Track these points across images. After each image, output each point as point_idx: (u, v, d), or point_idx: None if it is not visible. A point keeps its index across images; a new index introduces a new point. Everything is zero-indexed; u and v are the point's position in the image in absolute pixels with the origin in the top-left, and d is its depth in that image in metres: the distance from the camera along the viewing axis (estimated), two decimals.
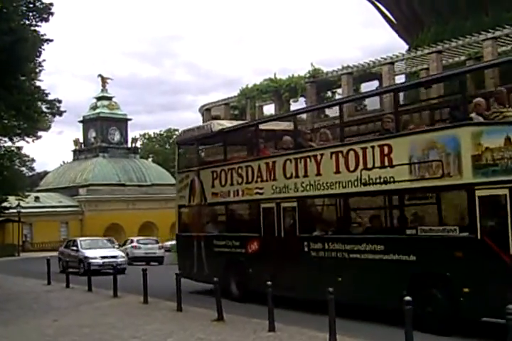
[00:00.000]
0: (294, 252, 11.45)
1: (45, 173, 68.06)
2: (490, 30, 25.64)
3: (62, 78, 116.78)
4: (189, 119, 79.89)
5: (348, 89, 30.57)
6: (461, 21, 31.17)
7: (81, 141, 66.37)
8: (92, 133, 64.97)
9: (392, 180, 9.65)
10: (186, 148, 16.46)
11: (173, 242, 42.22)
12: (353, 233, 10.84)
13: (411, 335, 7.13)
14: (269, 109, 37.48)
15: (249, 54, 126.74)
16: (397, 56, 29.64)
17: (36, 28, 15.94)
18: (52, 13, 15.86)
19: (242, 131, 14.38)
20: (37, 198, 53.71)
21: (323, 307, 8.46)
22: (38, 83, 19.19)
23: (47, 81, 64.69)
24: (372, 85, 32.78)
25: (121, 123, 66.59)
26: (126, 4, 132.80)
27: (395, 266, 9.52)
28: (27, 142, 23.90)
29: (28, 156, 38.54)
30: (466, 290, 8.45)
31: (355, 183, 10.27)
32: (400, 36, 39.99)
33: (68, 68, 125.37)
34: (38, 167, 56.47)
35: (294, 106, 34.12)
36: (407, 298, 7.33)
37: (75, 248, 24.73)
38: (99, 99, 66.15)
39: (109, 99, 66.63)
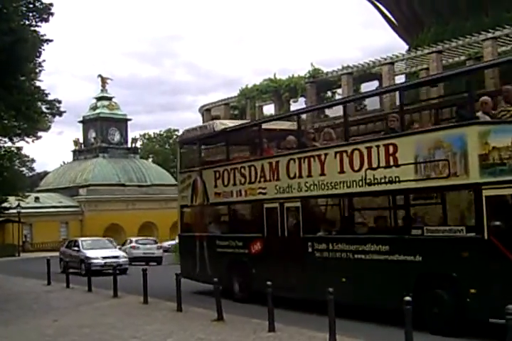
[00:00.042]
0: (298, 253, 11.37)
1: (45, 173, 68.08)
2: (490, 31, 25.63)
3: (62, 78, 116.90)
4: (189, 119, 79.88)
5: (348, 89, 30.54)
6: (461, 21, 31.17)
7: (81, 141, 66.38)
8: (92, 134, 64.98)
9: (397, 179, 9.56)
10: (188, 147, 16.37)
11: (172, 242, 42.75)
12: (358, 233, 10.73)
13: (411, 335, 7.13)
14: (269, 109, 37.49)
15: (249, 54, 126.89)
16: (397, 56, 29.63)
17: (36, 29, 15.96)
18: (52, 14, 15.86)
19: (245, 130, 14.27)
20: (37, 198, 53.73)
21: (322, 307, 8.45)
22: (37, 83, 19.23)
23: (47, 81, 64.76)
24: (372, 85, 32.77)
25: (121, 123, 66.59)
26: (126, 4, 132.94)
27: (400, 267, 9.42)
28: (27, 142, 23.95)
29: (28, 156, 38.80)
30: (472, 291, 8.36)
31: (360, 183, 10.17)
32: (400, 36, 39.99)
33: (68, 68, 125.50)
34: (38, 167, 56.66)
35: (293, 107, 34.10)
36: (407, 298, 7.31)
37: (76, 248, 24.62)
38: (99, 99, 66.16)
39: (109, 99, 66.64)
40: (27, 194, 42.01)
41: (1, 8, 14.25)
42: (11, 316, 12.16)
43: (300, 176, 11.45)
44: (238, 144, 15.71)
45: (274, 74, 35.45)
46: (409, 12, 36.41)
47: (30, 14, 15.77)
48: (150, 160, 75.13)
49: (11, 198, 36.39)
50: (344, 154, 10.55)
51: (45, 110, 19.91)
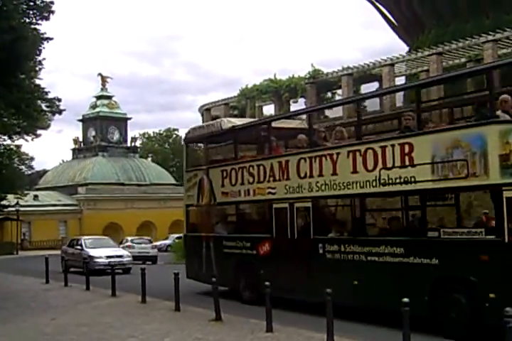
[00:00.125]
0: (308, 254, 11.10)
1: (44, 172, 68.05)
2: (490, 33, 25.68)
3: (62, 77, 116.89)
4: (188, 119, 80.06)
5: (348, 90, 30.56)
6: (462, 23, 31.23)
7: (80, 139, 66.36)
8: (92, 132, 64.97)
9: (413, 180, 9.27)
10: (195, 146, 16.04)
11: (166, 241, 42.79)
12: (371, 235, 10.45)
13: (408, 337, 7.13)
14: (269, 110, 37.49)
15: (249, 54, 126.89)
16: (398, 58, 29.66)
17: (36, 27, 15.96)
18: (52, 12, 15.87)
19: (253, 128, 13.89)
20: (36, 197, 53.74)
21: (321, 308, 8.44)
22: (37, 81, 19.28)
23: (47, 79, 64.80)
24: (372, 87, 32.79)
25: (121, 122, 66.58)
26: (126, 3, 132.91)
27: (415, 270, 9.16)
28: (26, 140, 24.00)
29: (27, 155, 38.65)
30: (491, 295, 8.08)
31: (374, 183, 9.89)
32: (401, 38, 40.04)
33: (68, 67, 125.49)
34: (37, 165, 56.38)
35: (293, 107, 34.11)
36: (405, 299, 7.28)
37: (79, 247, 24.13)
38: (98, 98, 66.15)
39: (109, 98, 66.62)
40: (26, 192, 42.05)
41: (1, 5, 14.25)
42: (9, 314, 12.15)
43: (311, 176, 11.16)
44: (246, 143, 15.35)
45: (274, 75, 35.53)
46: (410, 13, 36.47)
47: (31, 12, 15.77)
48: (149, 159, 75.09)
49: (10, 196, 36.41)
50: (357, 153, 10.26)
51: (44, 108, 19.92)
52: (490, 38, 25.58)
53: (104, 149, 63.66)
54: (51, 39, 16.48)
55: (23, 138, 23.66)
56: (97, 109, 64.80)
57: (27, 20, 15.68)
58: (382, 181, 9.75)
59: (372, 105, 29.37)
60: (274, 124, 12.89)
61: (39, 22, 15.88)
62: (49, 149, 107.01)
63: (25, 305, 13.68)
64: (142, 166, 65.11)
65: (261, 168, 12.49)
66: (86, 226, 54.13)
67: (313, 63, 33.48)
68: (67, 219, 56.53)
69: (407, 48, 37.02)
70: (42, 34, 16.18)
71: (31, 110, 18.12)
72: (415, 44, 34.26)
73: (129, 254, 24.66)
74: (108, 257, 22.59)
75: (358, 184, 10.19)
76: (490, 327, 8.29)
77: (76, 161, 64.24)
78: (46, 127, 23.65)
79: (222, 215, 14.61)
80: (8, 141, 25.05)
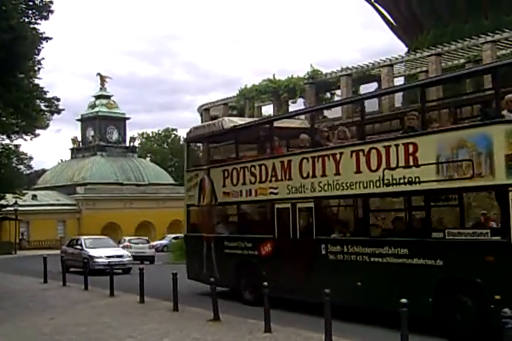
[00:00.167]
0: (310, 255, 11.03)
1: (43, 171, 68.03)
2: (489, 34, 25.69)
3: (61, 76, 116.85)
4: (187, 119, 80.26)
5: (347, 90, 30.56)
6: (461, 24, 31.26)
7: (79, 139, 66.35)
8: (90, 132, 64.94)
9: (417, 180, 9.19)
10: (196, 145, 15.95)
11: (163, 242, 42.79)
12: (374, 235, 10.34)
13: (406, 338, 7.13)
14: (268, 110, 37.46)
15: (248, 54, 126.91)
16: (397, 58, 29.66)
17: (35, 26, 15.97)
18: (51, 11, 15.87)
19: (255, 128, 13.76)
20: (34, 196, 53.70)
21: (320, 308, 8.44)
22: (36, 81, 19.25)
23: (45, 79, 64.77)
24: (371, 87, 32.79)
25: (120, 122, 66.57)
26: (125, 3, 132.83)
27: (420, 271, 9.07)
28: (25, 140, 24.02)
29: (25, 154, 38.57)
30: (497, 297, 7.98)
31: (378, 183, 9.79)
32: (399, 38, 40.07)
33: (67, 66, 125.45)
34: (36, 165, 56.33)
35: (292, 107, 34.11)
36: (403, 300, 7.26)
37: (78, 247, 23.98)
38: (97, 97, 66.12)
39: (108, 97, 66.60)
40: (24, 191, 42.00)
41: (0, 5, 14.23)
42: (7, 314, 12.14)
43: (314, 176, 11.06)
44: (248, 142, 15.23)
45: (274, 75, 35.49)
46: (408, 14, 36.50)
47: (30, 12, 15.77)
48: (148, 159, 75.09)
49: (9, 195, 36.40)
50: (361, 153, 10.17)
51: (43, 108, 19.89)
52: (489, 38, 25.59)
53: (102, 149, 63.64)
54: (50, 39, 16.49)
55: (22, 137, 23.68)
56: (96, 109, 64.78)
57: (26, 19, 15.69)
58: (385, 181, 9.67)
59: (370, 106, 29.38)
60: (276, 124, 12.79)
61: (38, 21, 15.91)
62: (48, 149, 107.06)
63: (24, 304, 13.67)
64: (141, 166, 65.10)
65: (263, 167, 12.38)
66: (84, 226, 54.12)
67: (312, 63, 33.72)
68: (66, 218, 56.50)
69: (406, 49, 37.04)
70: (41, 34, 16.18)
71: (30, 110, 18.11)
72: (414, 45, 34.28)
73: (129, 254, 24.47)
74: (108, 257, 22.43)
75: (362, 184, 10.10)
76: (495, 329, 8.04)
77: (75, 161, 64.20)
78: (45, 127, 23.63)
79: (223, 215, 14.51)
80: (7, 141, 25.11)
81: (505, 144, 8.15)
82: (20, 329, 10.43)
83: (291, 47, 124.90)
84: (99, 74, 66.84)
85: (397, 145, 9.58)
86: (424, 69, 29.38)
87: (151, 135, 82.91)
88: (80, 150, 65.52)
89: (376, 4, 39.68)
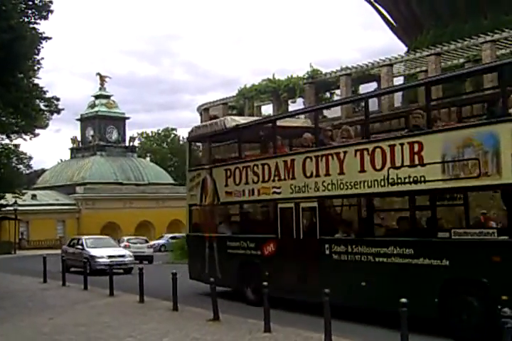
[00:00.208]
0: (314, 255, 10.92)
1: (43, 171, 68.03)
2: (489, 33, 25.68)
3: (61, 76, 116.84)
4: (187, 119, 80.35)
5: (347, 90, 30.55)
6: (460, 24, 31.25)
7: (79, 139, 66.37)
8: (90, 132, 64.95)
9: (422, 179, 9.08)
10: (198, 145, 15.85)
11: (160, 241, 42.80)
12: (379, 235, 10.24)
13: (406, 338, 7.13)
14: (268, 110, 37.45)
15: (247, 54, 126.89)
16: (396, 58, 29.65)
17: (35, 26, 15.98)
18: (51, 11, 15.88)
19: (258, 127, 13.64)
20: (34, 196, 53.70)
21: (320, 308, 8.43)
22: (36, 81, 19.24)
23: (45, 79, 64.77)
24: (370, 87, 32.80)
25: (119, 121, 66.58)
26: (124, 2, 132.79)
27: (425, 271, 8.98)
28: (24, 140, 24.04)
29: (25, 154, 38.58)
30: (504, 297, 7.88)
31: (382, 183, 9.70)
32: (399, 38, 40.07)
33: (66, 66, 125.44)
34: (36, 165, 56.30)
35: (292, 107, 34.11)
36: (403, 299, 7.25)
37: (80, 246, 23.88)
38: (97, 97, 66.12)
39: (108, 97, 66.60)
40: (24, 191, 42.00)
41: (0, 5, 14.24)
42: (6, 314, 12.13)
43: (317, 175, 10.97)
44: (250, 141, 15.14)
45: (273, 75, 35.46)
46: (408, 14, 36.50)
47: (30, 11, 15.78)
48: (148, 158, 75.11)
49: (8, 195, 36.40)
50: (365, 152, 10.07)
51: (43, 107, 19.90)
52: (488, 38, 25.58)
53: (102, 149, 63.65)
54: (50, 38, 16.49)
55: (22, 137, 23.70)
56: (96, 109, 64.79)
57: (26, 19, 15.70)
58: (390, 180, 9.58)
59: (370, 105, 29.37)
60: (278, 123, 12.66)
61: (38, 21, 15.93)
62: (47, 148, 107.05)
63: (23, 304, 13.67)
64: (140, 166, 65.11)
65: (266, 167, 12.30)
66: (84, 225, 54.13)
67: (311, 63, 33.64)
68: (65, 218, 56.51)
69: (405, 49, 37.03)
70: (40, 33, 16.18)
71: (29, 109, 18.11)
72: (414, 44, 34.27)
73: (131, 254, 24.29)
74: (110, 257, 22.28)
75: (366, 183, 10.01)
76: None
77: (74, 160, 64.21)
78: (44, 126, 23.64)
79: (225, 215, 14.44)
80: (7, 140, 25.13)
81: None
82: (20, 329, 10.42)
83: (291, 47, 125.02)
84: (98, 73, 66.89)
85: (402, 144, 9.49)
86: (424, 68, 29.38)
87: (150, 135, 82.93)
88: (80, 149, 65.53)
89: (376, 4, 39.67)
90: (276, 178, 11.98)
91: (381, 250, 9.74)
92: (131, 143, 67.78)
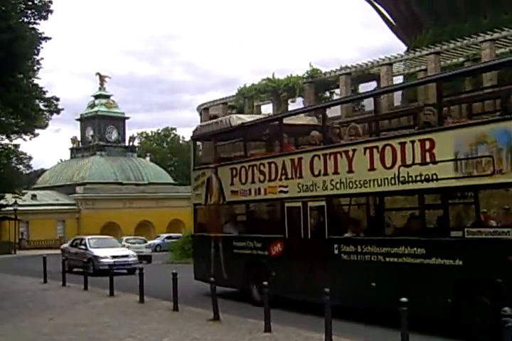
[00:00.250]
0: (322, 255, 10.74)
1: (42, 171, 68.03)
2: (488, 32, 25.67)
3: (60, 76, 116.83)
4: (187, 118, 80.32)
5: (346, 89, 30.54)
6: (460, 23, 31.24)
7: (78, 139, 66.40)
8: (90, 132, 64.97)
9: (434, 177, 8.90)
10: (203, 143, 15.54)
11: (156, 241, 42.77)
12: (389, 235, 10.05)
13: (407, 337, 7.12)
14: (267, 109, 37.44)
15: (247, 54, 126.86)
16: (396, 57, 29.63)
17: (34, 26, 15.96)
18: (51, 11, 15.87)
19: (264, 125, 13.47)
20: (34, 196, 53.69)
21: (321, 308, 8.43)
22: (35, 81, 19.21)
23: (45, 79, 64.76)
24: (370, 86, 32.78)
25: (119, 121, 66.60)
26: (124, 2, 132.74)
27: (438, 271, 8.80)
28: (24, 140, 24.01)
29: (25, 154, 38.60)
30: None
31: (393, 181, 9.52)
32: (399, 37, 40.06)
33: (66, 66, 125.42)
34: (35, 165, 56.23)
35: (291, 107, 34.10)
36: (403, 299, 7.23)
37: (83, 247, 23.66)
38: (97, 97, 66.13)
39: (107, 97, 66.61)
40: (24, 191, 41.97)
41: None
42: (6, 314, 12.13)
43: (325, 173, 10.78)
44: (256, 140, 14.92)
45: (273, 74, 35.46)
46: (408, 13, 36.48)
47: (29, 12, 15.77)
48: (147, 158, 75.12)
49: (8, 195, 36.38)
50: (375, 150, 9.89)
51: (42, 108, 19.88)
52: (488, 37, 25.56)
53: (102, 148, 63.67)
54: (49, 38, 16.48)
55: (21, 137, 23.68)
56: (95, 109, 64.80)
57: (25, 19, 15.69)
58: (401, 179, 9.41)
59: (370, 104, 29.35)
60: (285, 121, 12.49)
61: (37, 21, 15.91)
62: (47, 148, 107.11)
63: (23, 305, 13.66)
64: (140, 165, 65.12)
65: (272, 165, 12.14)
66: (84, 225, 54.14)
67: (311, 62, 33.61)
68: (65, 218, 56.51)
69: (405, 48, 37.01)
70: (40, 33, 16.17)
71: (29, 109, 18.09)
72: (413, 43, 34.27)
73: (135, 254, 24.06)
74: (114, 257, 22.17)
75: (376, 182, 9.83)
76: None
77: (74, 160, 64.22)
78: (44, 126, 23.63)
79: (231, 215, 14.29)
80: (6, 141, 25.10)
81: None
82: (20, 329, 10.42)
83: (291, 47, 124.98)
84: (98, 73, 66.90)
85: (413, 142, 9.32)
86: (423, 67, 29.38)
87: (150, 134, 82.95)
88: (80, 149, 65.55)
89: (375, 3, 39.66)
90: (283, 177, 11.80)
91: (392, 250, 9.55)
92: (131, 143, 67.82)
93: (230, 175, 13.40)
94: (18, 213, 45.88)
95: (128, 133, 68.64)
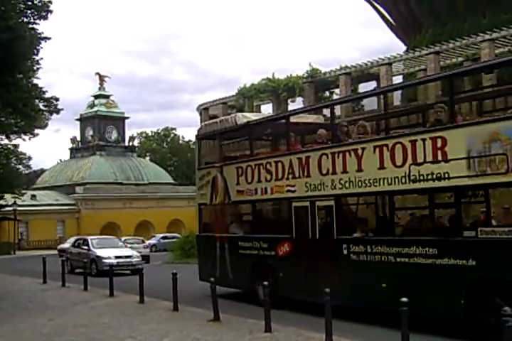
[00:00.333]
0: (331, 255, 10.55)
1: (42, 171, 68.00)
2: (487, 32, 25.67)
3: (60, 76, 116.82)
4: (187, 118, 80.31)
5: (346, 89, 30.53)
6: (459, 23, 31.25)
7: (78, 139, 66.38)
8: (89, 132, 64.94)
9: (446, 176, 8.73)
10: (208, 142, 15.39)
11: (152, 241, 42.70)
12: (400, 235, 9.86)
13: (407, 337, 7.11)
14: (267, 109, 37.45)
15: (247, 53, 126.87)
16: (395, 57, 29.63)
17: (34, 26, 15.95)
18: (50, 11, 15.86)
19: (270, 123, 13.32)
20: (33, 196, 53.65)
21: (322, 308, 8.41)
22: (35, 81, 19.21)
23: (44, 79, 64.75)
24: (369, 86, 32.79)
25: (119, 121, 66.58)
26: (124, 2, 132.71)
27: (450, 272, 8.63)
28: (24, 140, 24.01)
29: (24, 154, 38.57)
30: None
31: (403, 180, 9.34)
32: (398, 37, 40.06)
33: (66, 66, 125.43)
34: (35, 165, 56.09)
35: (291, 106, 34.10)
36: (404, 299, 7.20)
37: (85, 247, 23.30)
38: (96, 97, 66.11)
39: (107, 97, 66.59)
40: (23, 191, 41.95)
41: None
42: (5, 315, 12.11)
43: (334, 172, 10.61)
44: (262, 138, 14.81)
45: (273, 74, 35.45)
46: (407, 13, 36.50)
47: (29, 12, 15.76)
48: (147, 158, 75.10)
49: (8, 196, 36.36)
50: (385, 148, 9.70)
51: (42, 108, 19.87)
52: (487, 37, 25.56)
53: (102, 148, 63.65)
54: (49, 39, 16.48)
55: (21, 137, 23.68)
56: (95, 108, 64.78)
57: (25, 19, 15.68)
58: (412, 178, 9.23)
59: (370, 104, 29.38)
60: (292, 119, 12.32)
61: (37, 21, 15.89)
62: (47, 148, 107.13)
63: (23, 305, 13.64)
64: (140, 165, 65.10)
65: (279, 164, 11.94)
66: (84, 225, 54.11)
67: (311, 62, 33.61)
68: (65, 218, 56.47)
69: (404, 47, 37.02)
70: (39, 34, 16.16)
71: (29, 109, 18.07)
72: (413, 43, 34.27)
73: (138, 255, 23.80)
74: (117, 257, 21.98)
75: (386, 181, 9.66)
76: None
77: (74, 160, 64.19)
78: (44, 126, 23.63)
79: (237, 214, 14.12)
80: (6, 141, 25.10)
81: None
82: (20, 330, 10.39)
83: (290, 46, 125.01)
84: (98, 73, 66.88)
85: (424, 140, 9.15)
86: (423, 67, 29.38)
87: (150, 134, 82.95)
88: (79, 149, 65.53)
89: (375, 3, 39.67)
90: (291, 176, 11.61)
91: (402, 250, 9.39)
92: (131, 143, 67.81)
93: (235, 175, 13.22)
94: (17, 213, 45.86)
95: (128, 133, 68.79)
